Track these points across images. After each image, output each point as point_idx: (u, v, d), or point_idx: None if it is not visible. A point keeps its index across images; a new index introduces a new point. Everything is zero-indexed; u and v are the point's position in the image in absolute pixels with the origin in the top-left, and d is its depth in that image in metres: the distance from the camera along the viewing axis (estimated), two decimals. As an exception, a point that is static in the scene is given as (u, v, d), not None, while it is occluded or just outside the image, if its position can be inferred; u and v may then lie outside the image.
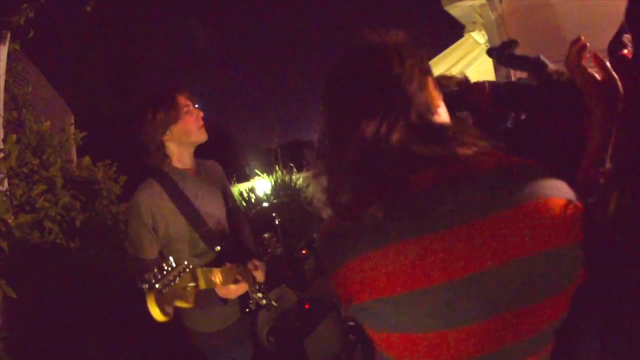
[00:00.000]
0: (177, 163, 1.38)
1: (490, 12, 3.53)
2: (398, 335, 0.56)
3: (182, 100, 1.33)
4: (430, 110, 0.60)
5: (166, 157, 1.36)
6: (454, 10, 3.78)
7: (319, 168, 0.64)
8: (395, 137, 0.56)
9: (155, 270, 0.96)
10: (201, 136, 1.37)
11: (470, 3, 3.62)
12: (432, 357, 0.54)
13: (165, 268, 0.99)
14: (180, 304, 0.98)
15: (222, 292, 1.26)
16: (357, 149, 0.57)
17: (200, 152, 1.45)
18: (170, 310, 0.94)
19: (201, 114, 1.37)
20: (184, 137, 1.34)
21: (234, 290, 1.27)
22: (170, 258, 1.03)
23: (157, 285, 0.93)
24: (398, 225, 0.54)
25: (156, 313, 0.92)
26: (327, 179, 0.62)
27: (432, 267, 0.52)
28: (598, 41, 0.71)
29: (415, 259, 0.52)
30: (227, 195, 1.55)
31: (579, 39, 0.72)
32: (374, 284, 0.55)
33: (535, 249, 0.50)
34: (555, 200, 0.51)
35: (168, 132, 1.32)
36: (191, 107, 1.35)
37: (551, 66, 1.17)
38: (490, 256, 0.50)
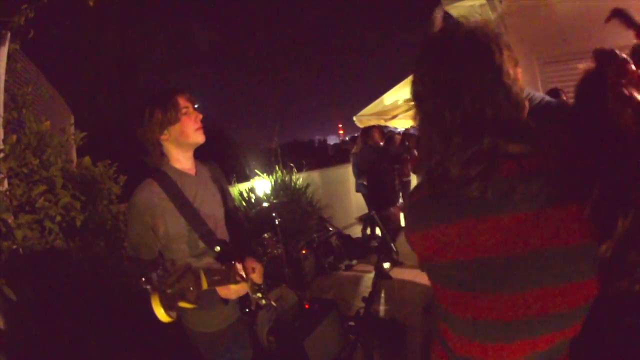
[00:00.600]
0: (175, 163, 1.38)
1: (490, 12, 3.53)
2: (459, 293, 0.68)
3: (182, 101, 1.33)
4: (520, 102, 0.66)
5: (163, 156, 1.36)
6: (454, 10, 3.78)
7: (424, 140, 0.71)
8: (496, 125, 0.64)
9: (159, 270, 0.97)
10: (198, 138, 1.37)
11: (470, 3, 3.62)
12: (482, 316, 0.66)
13: (169, 268, 0.99)
14: (183, 304, 0.99)
15: (223, 292, 1.26)
16: (461, 135, 0.65)
17: (201, 152, 1.45)
18: (174, 311, 0.95)
19: (200, 116, 1.37)
20: (181, 138, 1.34)
21: (235, 290, 1.27)
22: (172, 259, 1.03)
23: (161, 286, 0.94)
24: (477, 204, 0.63)
25: (160, 314, 0.93)
26: (427, 151, 0.69)
27: (498, 242, 0.63)
28: (597, 41, 0.71)
29: (486, 233, 0.63)
30: (226, 196, 1.55)
31: (614, 54, 0.72)
32: (448, 249, 0.66)
33: (580, 240, 0.60)
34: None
35: (166, 132, 1.32)
36: (190, 108, 1.35)
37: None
38: (546, 240, 0.61)
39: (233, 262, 1.26)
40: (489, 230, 0.63)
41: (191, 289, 1.02)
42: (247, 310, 1.38)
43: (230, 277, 1.23)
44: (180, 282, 0.99)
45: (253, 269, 1.36)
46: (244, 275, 1.28)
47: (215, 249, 1.37)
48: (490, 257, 0.63)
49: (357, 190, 5.53)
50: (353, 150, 5.57)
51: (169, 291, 0.95)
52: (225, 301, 1.32)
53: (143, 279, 0.96)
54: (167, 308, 0.93)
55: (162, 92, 1.35)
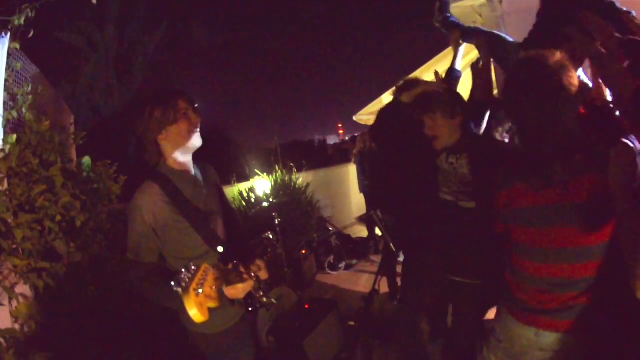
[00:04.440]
0: (173, 164, 1.37)
1: (490, 12, 3.52)
2: (525, 229, 1.15)
3: (182, 103, 1.34)
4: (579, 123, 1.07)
5: (160, 155, 1.36)
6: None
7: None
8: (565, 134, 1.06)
9: (185, 272, 0.98)
10: (194, 141, 1.37)
11: (471, 3, 3.61)
12: (539, 244, 1.11)
13: (192, 270, 1.01)
14: (210, 304, 1.01)
15: (230, 292, 1.25)
16: (551, 137, 1.06)
17: (201, 151, 1.45)
18: (206, 310, 0.97)
19: (198, 119, 1.37)
20: (178, 139, 1.34)
21: (242, 289, 1.27)
22: (190, 261, 1.06)
23: (191, 287, 0.95)
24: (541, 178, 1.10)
25: (195, 314, 0.94)
26: (524, 144, 1.13)
27: (549, 197, 1.08)
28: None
29: (544, 193, 1.09)
30: (222, 197, 1.56)
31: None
32: (523, 199, 1.13)
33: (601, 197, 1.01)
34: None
35: (164, 132, 1.32)
36: (190, 111, 1.35)
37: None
38: (576, 196, 1.04)
39: (236, 262, 1.27)
40: (547, 192, 1.07)
41: (213, 288, 1.04)
42: (251, 309, 1.39)
43: (237, 276, 1.24)
44: (206, 282, 1.01)
45: (259, 267, 1.35)
46: (250, 274, 1.29)
47: (218, 249, 1.37)
48: (546, 205, 1.08)
49: (361, 191, 5.46)
50: (357, 150, 5.49)
51: (200, 291, 0.97)
52: (232, 301, 1.32)
53: (172, 282, 0.97)
54: (200, 308, 0.95)
55: (164, 91, 1.35)
